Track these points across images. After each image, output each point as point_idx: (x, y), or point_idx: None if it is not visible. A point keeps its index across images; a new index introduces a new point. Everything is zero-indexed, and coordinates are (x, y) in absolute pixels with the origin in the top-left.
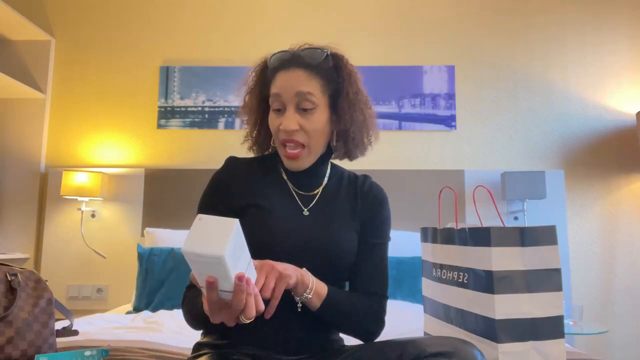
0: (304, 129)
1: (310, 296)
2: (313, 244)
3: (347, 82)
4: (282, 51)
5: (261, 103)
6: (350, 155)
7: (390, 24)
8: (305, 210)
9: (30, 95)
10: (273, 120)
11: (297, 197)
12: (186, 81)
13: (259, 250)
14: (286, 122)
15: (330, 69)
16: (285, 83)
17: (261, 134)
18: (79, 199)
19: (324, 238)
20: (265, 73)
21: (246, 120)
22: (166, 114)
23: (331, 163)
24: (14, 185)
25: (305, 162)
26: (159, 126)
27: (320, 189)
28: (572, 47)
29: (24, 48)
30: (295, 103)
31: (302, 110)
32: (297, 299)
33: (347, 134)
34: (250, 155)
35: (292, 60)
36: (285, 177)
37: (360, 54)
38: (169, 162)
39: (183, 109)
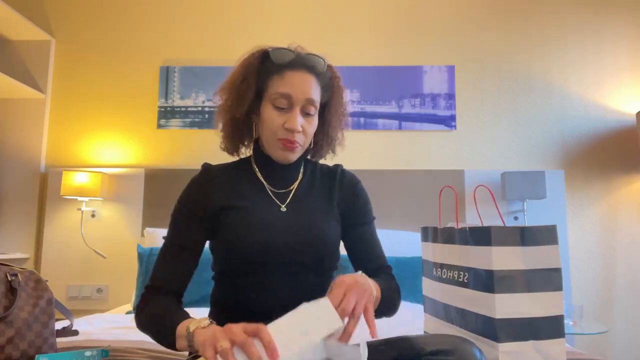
0: (304, 130)
1: (374, 299)
2: (293, 239)
3: (338, 94)
4: (283, 48)
5: (254, 94)
6: (322, 155)
7: (390, 24)
8: (283, 206)
9: (30, 95)
10: (274, 117)
11: (273, 196)
12: (186, 81)
13: (240, 250)
14: (293, 123)
15: (328, 80)
16: (297, 85)
17: (244, 126)
18: (79, 199)
19: (304, 231)
20: (264, 64)
21: (233, 109)
22: (166, 114)
23: (304, 159)
24: (14, 185)
25: (297, 156)
26: (159, 126)
27: (296, 184)
28: (572, 47)
29: (24, 48)
30: (302, 106)
31: (305, 114)
32: None
33: (329, 137)
34: (223, 154)
35: (300, 62)
36: (260, 178)
37: (360, 54)
38: (169, 162)
39: (183, 109)
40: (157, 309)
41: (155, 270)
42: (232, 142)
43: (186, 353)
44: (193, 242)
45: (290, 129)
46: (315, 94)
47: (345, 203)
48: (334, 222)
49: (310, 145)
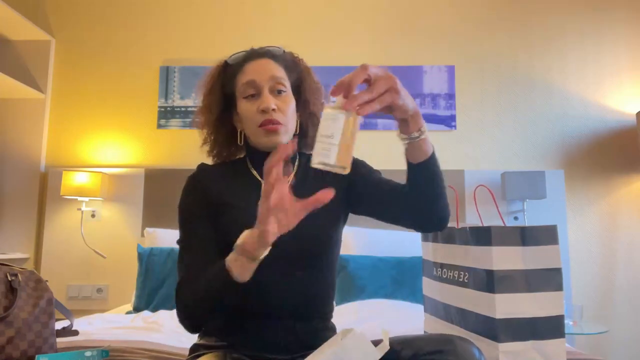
0: (280, 109)
1: (424, 136)
2: (290, 233)
3: (307, 73)
4: (239, 52)
5: (221, 101)
6: (312, 139)
7: (390, 24)
8: None
9: (30, 95)
10: (248, 106)
11: None
12: (186, 81)
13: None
14: (266, 102)
15: (290, 62)
16: (259, 69)
17: (221, 134)
18: (79, 199)
19: (300, 224)
20: (226, 71)
21: (204, 122)
22: (166, 114)
23: (298, 152)
24: (14, 185)
25: (284, 138)
26: (159, 126)
27: (291, 177)
28: (572, 47)
29: (24, 48)
30: (270, 86)
31: (277, 93)
32: (406, 137)
33: (313, 115)
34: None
35: (256, 53)
36: (256, 175)
37: (360, 54)
38: (169, 162)
39: (183, 109)
40: (197, 285)
41: (180, 275)
42: (218, 156)
43: (186, 353)
44: (204, 234)
45: (264, 108)
46: (279, 72)
47: (345, 183)
48: (332, 211)
49: (296, 131)
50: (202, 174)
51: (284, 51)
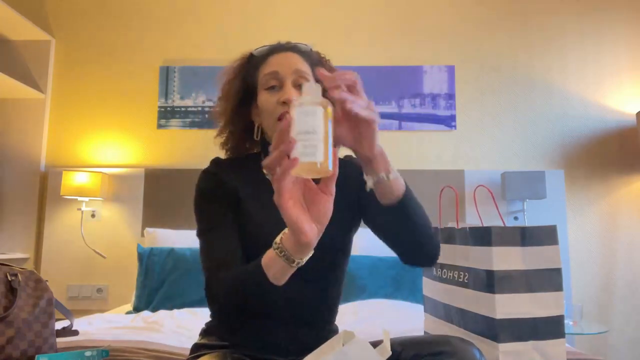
0: None
1: (393, 177)
2: None
3: (333, 72)
4: (265, 45)
5: (241, 92)
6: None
7: (390, 24)
8: None
9: (30, 95)
10: (268, 97)
11: None
12: (186, 81)
13: (247, 249)
14: (287, 93)
15: (316, 60)
16: (283, 61)
17: (237, 127)
18: (79, 199)
19: None
20: (250, 63)
21: (221, 112)
22: (166, 114)
23: None
24: (14, 185)
25: None
26: (159, 126)
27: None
28: (572, 47)
29: (24, 48)
30: (293, 79)
31: (299, 87)
32: (372, 179)
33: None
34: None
35: (282, 47)
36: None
37: (360, 54)
38: (169, 162)
39: (183, 109)
40: (230, 275)
41: (205, 266)
42: (233, 150)
43: (186, 353)
44: (225, 218)
45: (285, 100)
46: (304, 67)
47: (356, 188)
48: (343, 213)
49: None
50: (216, 168)
51: (311, 49)
